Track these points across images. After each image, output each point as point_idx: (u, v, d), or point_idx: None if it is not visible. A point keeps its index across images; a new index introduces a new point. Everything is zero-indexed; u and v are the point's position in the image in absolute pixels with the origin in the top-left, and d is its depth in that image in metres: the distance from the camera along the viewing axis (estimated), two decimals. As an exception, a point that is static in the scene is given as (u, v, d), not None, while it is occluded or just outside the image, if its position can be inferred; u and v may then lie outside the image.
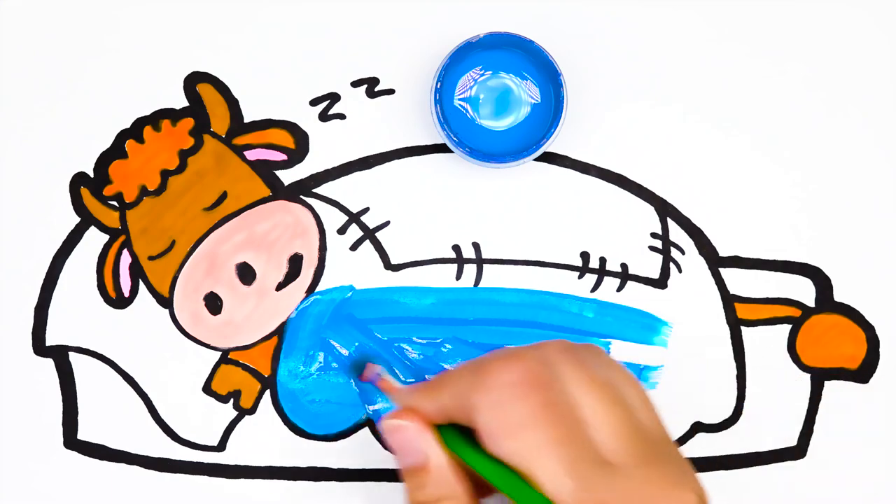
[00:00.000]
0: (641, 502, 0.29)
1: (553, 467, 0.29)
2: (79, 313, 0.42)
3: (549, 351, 0.32)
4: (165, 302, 0.42)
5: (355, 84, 0.43)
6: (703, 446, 0.42)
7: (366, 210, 0.43)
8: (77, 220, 0.43)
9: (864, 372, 0.42)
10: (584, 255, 0.42)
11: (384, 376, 0.37)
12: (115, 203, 0.43)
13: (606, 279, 0.42)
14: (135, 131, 0.43)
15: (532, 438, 0.29)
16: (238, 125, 0.43)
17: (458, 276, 0.42)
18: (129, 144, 0.43)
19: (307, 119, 0.43)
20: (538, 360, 0.31)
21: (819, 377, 0.42)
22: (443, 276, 0.42)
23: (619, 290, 0.42)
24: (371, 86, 0.43)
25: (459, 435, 0.32)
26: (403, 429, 0.33)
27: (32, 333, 0.42)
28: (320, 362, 0.42)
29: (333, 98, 0.43)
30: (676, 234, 0.43)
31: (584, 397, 0.30)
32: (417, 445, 0.32)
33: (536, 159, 0.42)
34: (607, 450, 0.30)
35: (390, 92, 0.43)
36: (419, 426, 0.33)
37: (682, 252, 0.43)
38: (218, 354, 0.42)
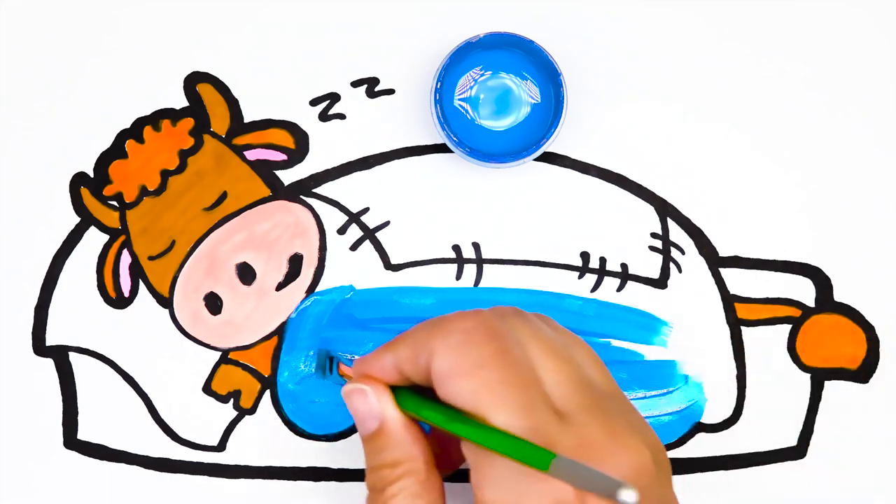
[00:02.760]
0: (592, 448, 0.30)
1: (507, 407, 0.30)
2: (79, 313, 0.42)
3: (503, 310, 0.33)
4: (165, 302, 0.42)
5: (355, 84, 0.43)
6: (703, 446, 0.42)
7: (366, 210, 0.43)
8: (77, 220, 0.43)
9: (864, 372, 0.42)
10: (584, 255, 0.42)
11: (341, 366, 0.38)
12: (115, 203, 0.43)
13: (606, 279, 0.42)
14: (135, 131, 0.43)
15: (488, 378, 0.30)
16: (238, 125, 0.43)
17: (458, 276, 0.42)
18: (129, 144, 0.43)
19: (307, 119, 0.43)
20: (494, 315, 0.32)
21: (819, 377, 0.42)
22: (443, 277, 0.42)
23: (619, 290, 0.42)
24: (371, 86, 0.43)
25: (414, 394, 0.33)
26: (359, 392, 0.33)
27: (32, 333, 0.42)
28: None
29: (333, 98, 0.43)
30: (676, 234, 0.43)
31: (536, 351, 0.31)
32: (373, 408, 0.33)
33: (536, 159, 0.42)
34: (558, 400, 0.31)
35: (390, 92, 0.43)
36: (375, 388, 0.33)
37: (682, 252, 0.43)
38: (218, 354, 0.42)
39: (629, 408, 0.33)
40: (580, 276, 0.42)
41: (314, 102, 0.43)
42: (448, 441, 0.36)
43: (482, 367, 0.30)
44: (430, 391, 0.32)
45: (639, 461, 0.30)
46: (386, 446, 0.33)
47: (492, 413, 0.30)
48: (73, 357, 0.42)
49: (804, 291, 0.43)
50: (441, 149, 0.43)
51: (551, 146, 0.42)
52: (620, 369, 0.42)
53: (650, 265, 0.43)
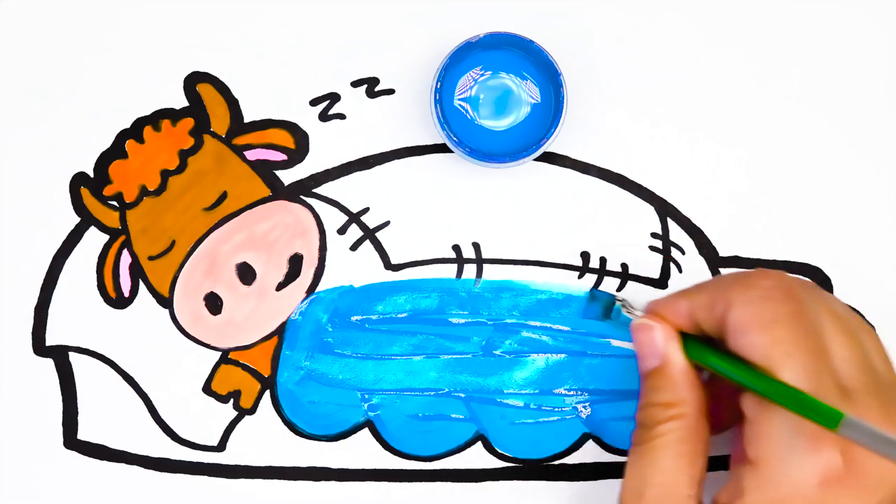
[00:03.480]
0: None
1: (796, 367, 0.30)
2: (79, 313, 0.42)
3: (802, 279, 0.34)
4: (165, 302, 0.42)
5: (355, 84, 0.43)
6: (703, 446, 0.42)
7: (366, 210, 0.43)
8: (77, 220, 0.43)
9: (864, 372, 0.42)
10: (584, 255, 0.42)
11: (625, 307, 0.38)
12: (115, 203, 0.43)
13: (606, 279, 0.42)
14: (135, 131, 0.43)
15: (782, 336, 0.31)
16: (238, 125, 0.43)
17: (458, 276, 0.42)
18: (129, 144, 0.43)
19: (307, 119, 0.43)
20: (794, 280, 0.33)
21: (819, 377, 0.42)
22: (443, 277, 0.42)
23: (619, 290, 0.42)
24: (371, 86, 0.43)
25: (701, 342, 0.33)
26: (648, 328, 0.34)
27: (32, 333, 0.42)
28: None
29: (333, 98, 0.43)
30: (676, 234, 0.43)
31: (828, 324, 0.32)
32: (659, 347, 0.34)
33: (536, 159, 0.42)
34: (843, 375, 0.31)
35: (390, 92, 0.43)
36: (664, 328, 0.34)
37: (682, 252, 0.43)
38: (218, 354, 0.42)
39: None
40: (580, 276, 0.42)
41: (314, 102, 0.43)
42: (721, 398, 0.36)
43: (778, 324, 0.31)
44: (716, 343, 0.33)
45: None
46: (663, 386, 0.34)
47: (780, 370, 0.31)
48: (73, 357, 0.42)
49: (804, 291, 0.43)
50: (441, 149, 0.43)
51: (551, 146, 0.42)
52: (621, 369, 0.42)
53: (650, 265, 0.43)
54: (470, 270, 0.43)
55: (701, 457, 0.33)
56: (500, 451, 0.42)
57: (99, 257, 0.42)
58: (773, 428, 0.31)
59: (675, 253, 0.43)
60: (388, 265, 0.42)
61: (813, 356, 0.31)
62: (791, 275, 0.34)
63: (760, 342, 0.31)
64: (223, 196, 0.43)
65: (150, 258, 0.42)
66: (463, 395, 0.42)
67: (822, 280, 0.43)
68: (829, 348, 0.32)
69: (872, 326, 0.35)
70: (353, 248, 0.43)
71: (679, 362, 0.34)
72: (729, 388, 0.33)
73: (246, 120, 0.43)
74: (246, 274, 0.42)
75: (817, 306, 0.33)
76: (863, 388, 0.31)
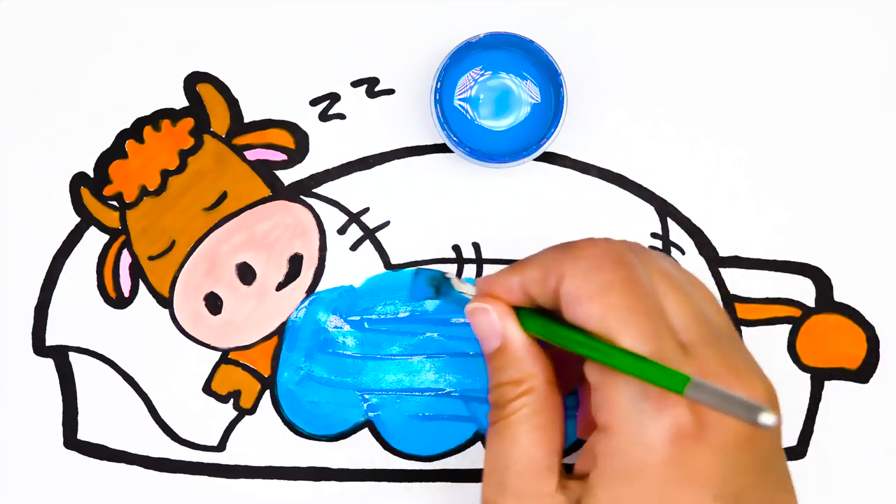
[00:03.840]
0: (713, 379, 0.30)
1: (633, 332, 0.30)
2: (79, 313, 0.42)
3: (630, 242, 0.34)
4: (165, 302, 0.42)
5: (355, 84, 0.43)
6: (703, 446, 0.42)
7: (366, 210, 0.43)
8: (77, 220, 0.43)
9: (864, 372, 0.42)
10: (584, 255, 0.42)
11: (456, 282, 0.37)
12: (115, 203, 0.43)
13: (606, 279, 0.42)
14: (135, 131, 0.43)
15: (616, 302, 0.31)
16: (238, 125, 0.43)
17: (458, 276, 0.42)
18: (129, 144, 0.43)
19: (307, 119, 0.43)
20: (622, 244, 0.33)
21: (819, 377, 0.42)
22: (443, 276, 0.42)
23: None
24: (371, 86, 0.43)
25: (538, 315, 0.33)
26: (483, 311, 0.34)
27: (32, 333, 0.42)
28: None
29: (333, 98, 0.43)
30: (676, 234, 0.43)
31: (660, 284, 0.32)
32: (496, 328, 0.34)
33: (536, 159, 0.42)
34: (681, 331, 0.31)
35: (390, 92, 0.43)
36: (497, 307, 0.34)
37: (683, 252, 0.43)
38: (218, 354, 0.42)
39: (746, 350, 0.33)
40: (580, 276, 0.42)
41: (314, 102, 0.43)
42: (564, 363, 0.36)
43: (611, 291, 0.31)
44: (551, 314, 0.33)
45: (756, 396, 0.31)
46: (508, 364, 0.34)
47: (619, 336, 0.30)
48: (73, 357, 0.42)
49: (804, 291, 0.43)
50: (441, 149, 0.43)
51: (551, 146, 0.42)
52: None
53: (650, 265, 0.42)
54: (470, 270, 0.43)
55: (556, 427, 0.33)
56: (500, 451, 0.42)
57: (99, 257, 0.42)
58: (618, 394, 0.31)
59: (675, 253, 0.43)
60: (388, 265, 0.42)
61: (649, 318, 0.31)
62: (618, 239, 0.34)
63: (595, 311, 0.31)
64: (223, 196, 0.43)
65: (150, 258, 0.42)
66: (463, 396, 0.42)
67: (822, 280, 0.43)
68: (665, 307, 0.32)
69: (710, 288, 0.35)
70: (353, 248, 0.43)
71: (518, 338, 0.34)
72: (573, 353, 0.33)
73: (246, 120, 0.43)
74: (246, 274, 0.42)
75: (647, 268, 0.32)
76: (700, 341, 0.31)
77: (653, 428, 0.30)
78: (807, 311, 0.43)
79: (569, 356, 0.33)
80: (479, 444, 0.42)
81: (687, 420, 0.30)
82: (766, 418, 0.26)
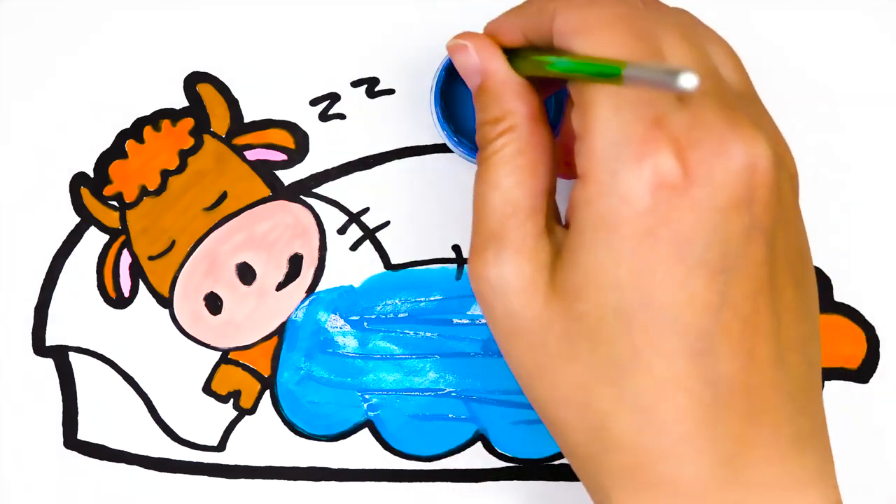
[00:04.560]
0: (706, 129, 0.28)
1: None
2: (79, 313, 0.42)
3: None
4: (165, 302, 0.42)
5: (355, 84, 0.43)
6: (703, 446, 0.42)
7: (366, 210, 0.43)
8: (77, 220, 0.43)
9: (863, 372, 0.42)
10: (584, 255, 0.42)
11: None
12: (115, 203, 0.43)
13: (606, 279, 0.42)
14: (135, 131, 0.43)
15: (608, 38, 0.28)
16: (238, 125, 0.43)
17: (458, 277, 0.42)
18: (129, 144, 0.43)
19: (307, 119, 0.43)
20: None
21: (819, 377, 0.42)
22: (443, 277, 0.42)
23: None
24: (371, 86, 0.43)
25: (538, 54, 0.31)
26: (462, 48, 0.33)
27: (32, 333, 0.42)
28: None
29: (333, 98, 0.43)
30: (676, 234, 0.43)
31: (666, 32, 0.29)
32: (474, 62, 0.32)
33: (536, 159, 0.42)
34: None
35: (390, 92, 0.43)
36: (477, 42, 0.32)
37: (682, 252, 0.43)
38: (218, 354, 0.42)
39: (761, 110, 0.31)
40: (580, 276, 0.42)
41: (314, 102, 0.43)
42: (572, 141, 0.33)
43: (606, 26, 0.28)
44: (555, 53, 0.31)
45: (755, 153, 0.28)
46: (489, 101, 0.32)
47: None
48: (73, 357, 0.42)
49: (804, 291, 0.43)
50: (441, 149, 0.43)
51: (551, 146, 0.42)
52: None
53: (650, 265, 0.42)
54: (470, 270, 0.42)
55: (542, 166, 0.31)
56: (500, 451, 0.42)
57: (99, 257, 0.42)
58: (597, 138, 0.28)
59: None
60: (388, 265, 0.42)
61: (643, 56, 0.28)
62: None
63: (585, 46, 0.28)
64: (223, 196, 0.43)
65: (150, 258, 0.42)
66: (463, 396, 0.42)
67: (822, 280, 0.43)
68: (665, 52, 0.29)
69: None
70: (353, 248, 0.43)
71: (499, 73, 0.32)
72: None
73: (246, 120, 0.43)
74: (246, 274, 0.42)
75: (655, 13, 0.30)
76: (701, 92, 0.28)
77: (632, 176, 0.27)
78: (807, 311, 0.43)
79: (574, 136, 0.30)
80: (479, 444, 0.42)
81: (670, 169, 0.27)
82: (686, 80, 0.23)
